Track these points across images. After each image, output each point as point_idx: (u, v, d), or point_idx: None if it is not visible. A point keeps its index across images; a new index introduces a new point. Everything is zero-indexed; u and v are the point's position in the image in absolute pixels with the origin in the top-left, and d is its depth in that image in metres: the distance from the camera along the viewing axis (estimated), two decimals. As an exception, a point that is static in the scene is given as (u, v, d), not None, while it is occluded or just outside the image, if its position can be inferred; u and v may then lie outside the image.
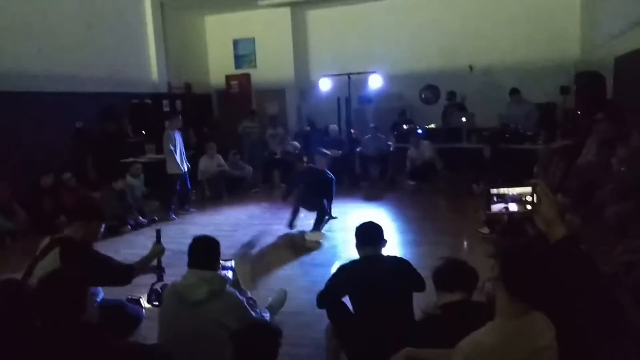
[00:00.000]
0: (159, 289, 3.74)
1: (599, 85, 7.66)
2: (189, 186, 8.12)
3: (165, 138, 7.68)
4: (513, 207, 1.55)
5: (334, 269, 3.17)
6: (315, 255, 5.65)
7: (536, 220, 1.50)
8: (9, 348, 1.71)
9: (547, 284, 1.68)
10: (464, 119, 9.16)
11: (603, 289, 1.41)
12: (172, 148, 7.59)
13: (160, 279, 3.87)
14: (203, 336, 2.61)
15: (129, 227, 7.09)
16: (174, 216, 7.79)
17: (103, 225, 3.50)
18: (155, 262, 3.71)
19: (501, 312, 1.70)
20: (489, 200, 1.57)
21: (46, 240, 3.33)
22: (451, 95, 10.11)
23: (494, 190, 1.56)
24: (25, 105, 7.71)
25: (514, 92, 9.26)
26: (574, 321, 1.54)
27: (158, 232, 3.80)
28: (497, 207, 1.57)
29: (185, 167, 7.86)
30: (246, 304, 2.85)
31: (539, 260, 1.68)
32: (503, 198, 1.55)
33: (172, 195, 7.88)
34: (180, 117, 8.06)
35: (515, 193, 1.53)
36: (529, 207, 1.52)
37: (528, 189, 1.52)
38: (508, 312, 1.68)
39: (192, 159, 9.19)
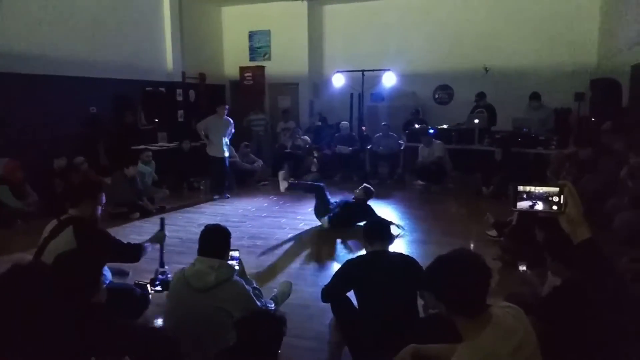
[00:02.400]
0: (162, 276, 3.90)
1: (615, 92, 7.60)
2: (226, 173, 8.56)
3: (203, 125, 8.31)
4: (539, 205, 1.54)
5: (340, 264, 3.20)
6: (321, 249, 5.68)
7: (561, 220, 1.50)
8: (23, 328, 1.74)
9: (481, 285, 1.70)
10: (476, 121, 9.11)
11: (623, 290, 1.42)
12: (203, 134, 8.26)
13: (162, 265, 4.01)
14: (208, 322, 2.66)
15: (138, 213, 7.14)
16: (227, 195, 8.40)
17: (103, 197, 3.57)
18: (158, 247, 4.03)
19: (466, 335, 1.71)
20: (516, 196, 1.57)
21: (53, 222, 3.38)
22: (480, 96, 9.85)
23: (520, 187, 1.56)
24: (41, 87, 7.80)
25: (535, 96, 9.17)
26: (594, 320, 1.55)
27: (162, 220, 4.12)
28: (523, 205, 1.56)
29: (225, 152, 8.33)
30: (252, 294, 2.88)
31: (459, 269, 1.71)
32: (530, 196, 1.55)
33: (216, 178, 8.43)
34: (226, 106, 8.54)
35: (541, 191, 1.53)
36: (555, 207, 1.51)
37: (555, 189, 1.51)
38: (471, 331, 1.68)
39: (203, 149, 9.27)
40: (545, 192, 1.52)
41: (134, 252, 3.62)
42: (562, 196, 1.49)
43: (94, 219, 3.50)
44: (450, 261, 1.80)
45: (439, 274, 1.77)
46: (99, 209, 3.53)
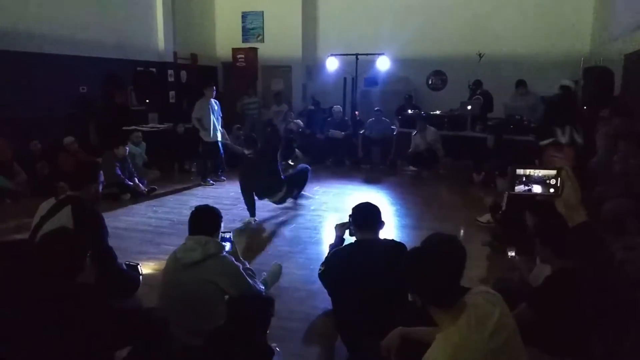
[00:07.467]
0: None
1: (607, 81, 7.61)
2: (222, 154, 8.43)
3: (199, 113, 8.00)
4: (537, 189, 1.54)
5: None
6: (312, 232, 5.69)
7: (557, 204, 1.50)
8: (17, 307, 1.73)
9: (451, 277, 1.72)
10: (469, 107, 9.11)
11: (618, 272, 1.43)
12: (197, 118, 7.97)
13: None
14: (196, 296, 2.70)
15: (129, 194, 7.10)
16: (211, 181, 8.21)
17: (102, 175, 3.55)
18: None
19: (441, 325, 1.73)
20: (514, 180, 1.56)
21: (51, 201, 3.35)
22: (476, 84, 9.84)
23: (519, 171, 1.54)
24: (30, 66, 7.68)
25: (520, 83, 9.20)
26: (590, 302, 1.56)
27: None
28: (520, 188, 1.56)
29: (217, 135, 8.15)
30: (242, 271, 2.89)
31: (427, 262, 1.73)
32: (528, 179, 1.54)
33: (205, 162, 8.28)
34: (213, 86, 8.22)
35: (540, 175, 1.52)
36: (552, 190, 1.51)
37: (553, 172, 1.51)
38: (446, 321, 1.70)
39: (196, 132, 9.17)
40: (544, 176, 1.52)
41: (114, 257, 3.52)
42: (559, 179, 1.49)
43: (96, 199, 3.50)
44: (419, 255, 1.82)
45: (410, 267, 1.79)
46: (100, 187, 3.53)
